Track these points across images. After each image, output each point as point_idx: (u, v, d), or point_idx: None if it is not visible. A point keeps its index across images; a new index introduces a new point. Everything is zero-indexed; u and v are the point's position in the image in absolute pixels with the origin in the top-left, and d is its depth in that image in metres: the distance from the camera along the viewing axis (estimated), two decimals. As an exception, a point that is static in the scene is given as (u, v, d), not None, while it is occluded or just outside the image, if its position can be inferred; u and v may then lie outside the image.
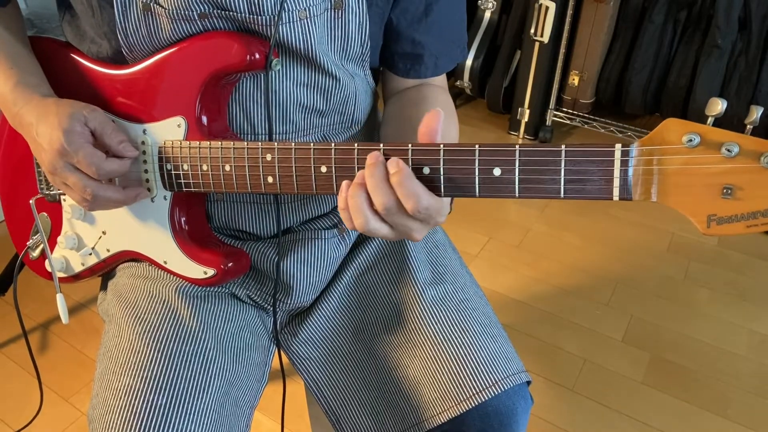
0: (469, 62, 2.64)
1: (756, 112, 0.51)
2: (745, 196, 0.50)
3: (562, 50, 2.45)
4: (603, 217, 2.18)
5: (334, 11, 0.72)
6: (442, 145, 0.59)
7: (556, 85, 2.53)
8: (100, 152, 0.70)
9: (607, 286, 1.87)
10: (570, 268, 1.94)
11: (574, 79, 2.54)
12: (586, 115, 2.58)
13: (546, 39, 2.36)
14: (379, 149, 0.60)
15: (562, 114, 2.60)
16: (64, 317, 0.85)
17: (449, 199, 0.67)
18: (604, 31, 2.42)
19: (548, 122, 2.60)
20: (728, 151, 0.50)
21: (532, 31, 2.38)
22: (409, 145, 0.59)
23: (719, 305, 1.81)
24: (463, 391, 0.74)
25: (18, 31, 0.82)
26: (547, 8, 2.30)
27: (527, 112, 2.55)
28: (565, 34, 2.41)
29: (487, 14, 2.63)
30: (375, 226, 0.59)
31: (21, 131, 0.76)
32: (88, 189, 0.71)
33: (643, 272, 1.93)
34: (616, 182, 0.54)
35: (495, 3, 2.59)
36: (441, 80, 0.88)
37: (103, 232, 0.82)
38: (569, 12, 2.35)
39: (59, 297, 0.84)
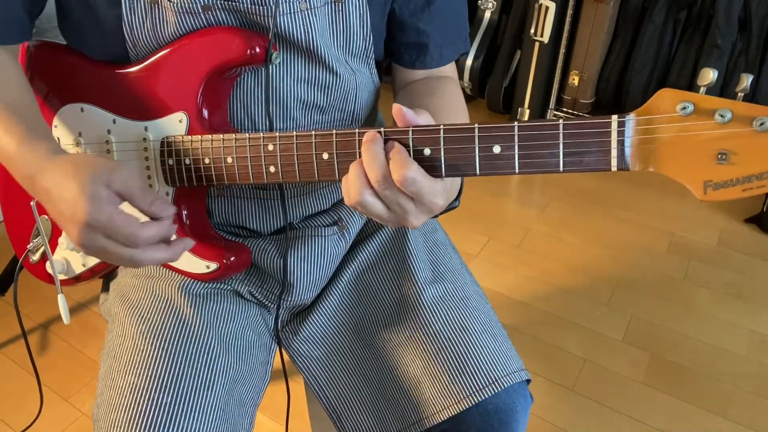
0: (469, 62, 2.64)
1: (746, 80, 0.52)
2: (739, 160, 0.51)
3: (562, 50, 2.45)
4: (603, 217, 2.18)
5: (334, 4, 0.73)
6: (442, 126, 0.59)
7: (556, 85, 2.53)
8: (133, 218, 0.61)
9: (607, 286, 1.86)
10: (570, 268, 1.94)
11: (574, 79, 2.54)
12: (586, 115, 2.58)
13: (546, 39, 2.36)
14: (381, 132, 0.61)
15: (562, 114, 2.60)
16: (66, 318, 0.85)
17: (454, 185, 0.66)
18: (604, 31, 2.42)
19: (548, 122, 2.60)
20: (721, 116, 0.50)
21: (532, 31, 2.38)
22: (410, 128, 0.60)
23: (719, 305, 1.81)
24: (463, 389, 0.74)
25: (18, 70, 0.77)
26: (547, 8, 2.30)
27: (527, 112, 2.55)
28: (565, 34, 2.42)
29: (487, 14, 2.63)
30: (368, 200, 0.59)
31: (32, 193, 0.67)
32: (133, 259, 0.63)
33: (643, 272, 1.93)
34: (614, 153, 0.55)
35: (495, 3, 2.60)
36: (450, 71, 0.88)
37: (104, 231, 0.81)
38: (569, 12, 2.36)
39: (61, 298, 0.84)
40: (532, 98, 2.52)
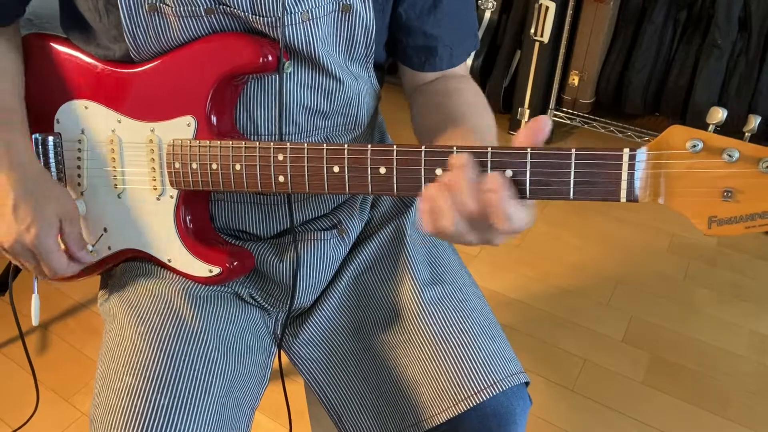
0: (469, 62, 2.63)
1: (754, 121, 0.54)
2: (744, 198, 0.53)
3: (562, 50, 2.45)
4: (603, 217, 2.18)
5: (342, 14, 0.73)
6: (455, 148, 0.59)
7: (556, 85, 2.53)
8: (63, 257, 0.74)
9: (607, 286, 1.87)
10: (570, 268, 1.94)
11: (574, 79, 2.54)
12: (586, 115, 2.58)
13: (546, 39, 2.36)
14: (392, 149, 0.61)
15: (562, 114, 2.60)
16: (35, 319, 0.85)
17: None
18: (604, 31, 2.42)
19: (548, 122, 2.60)
20: (729, 156, 0.52)
21: (532, 31, 2.38)
22: (423, 147, 0.60)
23: (719, 305, 1.81)
24: (462, 392, 0.74)
25: (4, 55, 0.79)
26: (547, 8, 2.30)
27: (527, 112, 2.55)
28: (565, 34, 2.41)
29: (487, 14, 2.63)
30: (461, 232, 0.58)
31: None
32: (40, 274, 0.76)
33: (643, 272, 1.93)
34: (624, 185, 0.56)
35: (495, 3, 2.59)
36: (463, 70, 0.87)
37: (105, 230, 0.82)
38: (569, 12, 2.35)
39: (35, 298, 0.85)
40: (532, 98, 2.52)
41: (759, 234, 2.09)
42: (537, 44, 2.40)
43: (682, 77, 2.36)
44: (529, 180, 0.58)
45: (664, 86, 2.42)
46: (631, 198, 0.56)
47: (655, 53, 2.39)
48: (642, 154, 0.55)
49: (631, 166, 0.55)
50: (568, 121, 2.60)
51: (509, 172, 0.58)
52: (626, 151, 0.55)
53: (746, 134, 0.54)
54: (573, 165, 0.56)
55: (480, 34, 2.63)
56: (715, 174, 0.53)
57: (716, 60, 2.26)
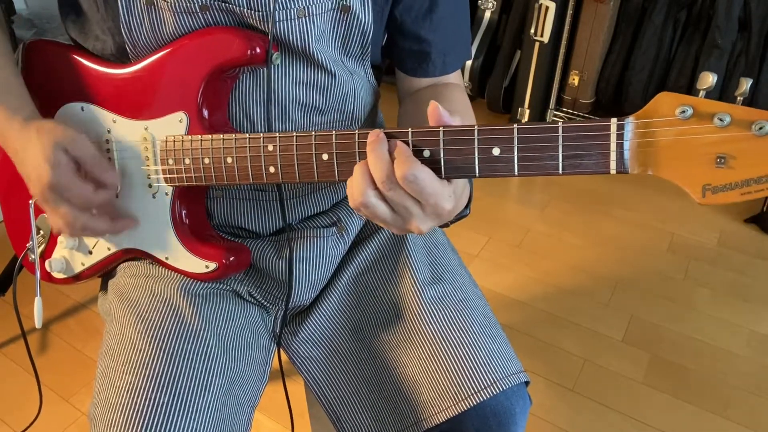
0: (469, 62, 2.64)
1: (745, 84, 0.52)
2: (738, 164, 0.51)
3: (562, 50, 2.45)
4: (603, 217, 2.18)
5: (340, 13, 0.73)
6: (441, 128, 0.59)
7: (556, 85, 2.53)
8: (88, 185, 0.72)
9: (607, 286, 1.87)
10: (570, 268, 1.94)
11: (574, 79, 2.54)
12: (586, 115, 2.58)
13: (546, 39, 2.36)
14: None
15: (562, 114, 2.60)
16: (38, 321, 0.85)
17: (465, 192, 0.66)
18: (604, 31, 2.42)
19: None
20: (720, 120, 0.51)
21: (532, 31, 2.38)
22: (409, 129, 0.60)
23: (719, 305, 1.81)
24: (462, 391, 0.74)
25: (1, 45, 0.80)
26: (547, 8, 2.30)
27: (527, 112, 2.55)
28: (565, 34, 2.42)
29: (487, 14, 2.63)
30: (372, 201, 0.59)
31: (6, 152, 0.75)
32: (78, 221, 0.72)
33: (643, 272, 1.93)
34: (613, 156, 0.55)
35: (495, 3, 2.59)
36: (455, 78, 0.88)
37: (104, 231, 0.82)
38: (569, 12, 2.36)
39: (37, 301, 0.84)
40: (532, 98, 2.52)
41: (759, 234, 2.09)
42: (537, 44, 2.40)
43: (682, 77, 2.36)
44: (517, 156, 0.58)
45: (664, 86, 2.42)
46: (621, 170, 0.55)
47: (655, 53, 2.39)
48: (630, 123, 0.54)
49: (620, 137, 0.54)
50: (568, 121, 2.60)
51: (497, 150, 0.58)
52: (614, 121, 0.54)
53: (738, 99, 0.52)
54: (560, 139, 0.56)
55: (480, 34, 2.63)
56: (707, 140, 0.52)
57: (716, 60, 2.26)
